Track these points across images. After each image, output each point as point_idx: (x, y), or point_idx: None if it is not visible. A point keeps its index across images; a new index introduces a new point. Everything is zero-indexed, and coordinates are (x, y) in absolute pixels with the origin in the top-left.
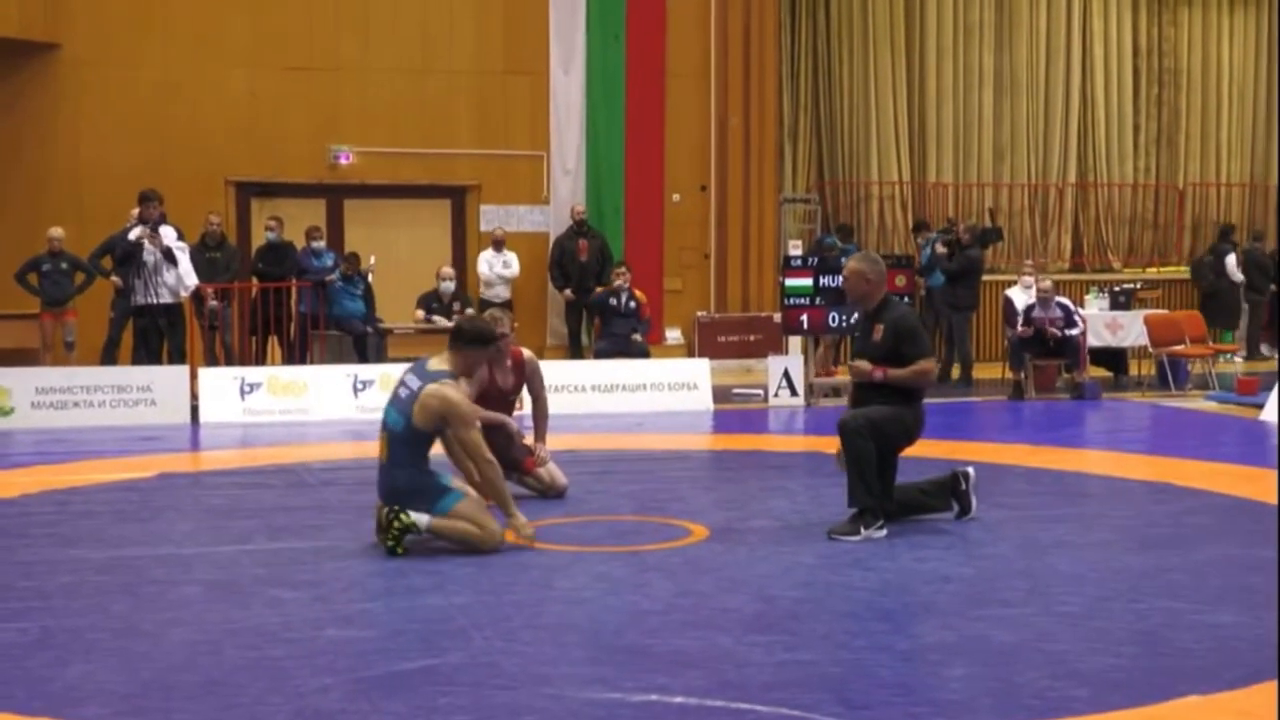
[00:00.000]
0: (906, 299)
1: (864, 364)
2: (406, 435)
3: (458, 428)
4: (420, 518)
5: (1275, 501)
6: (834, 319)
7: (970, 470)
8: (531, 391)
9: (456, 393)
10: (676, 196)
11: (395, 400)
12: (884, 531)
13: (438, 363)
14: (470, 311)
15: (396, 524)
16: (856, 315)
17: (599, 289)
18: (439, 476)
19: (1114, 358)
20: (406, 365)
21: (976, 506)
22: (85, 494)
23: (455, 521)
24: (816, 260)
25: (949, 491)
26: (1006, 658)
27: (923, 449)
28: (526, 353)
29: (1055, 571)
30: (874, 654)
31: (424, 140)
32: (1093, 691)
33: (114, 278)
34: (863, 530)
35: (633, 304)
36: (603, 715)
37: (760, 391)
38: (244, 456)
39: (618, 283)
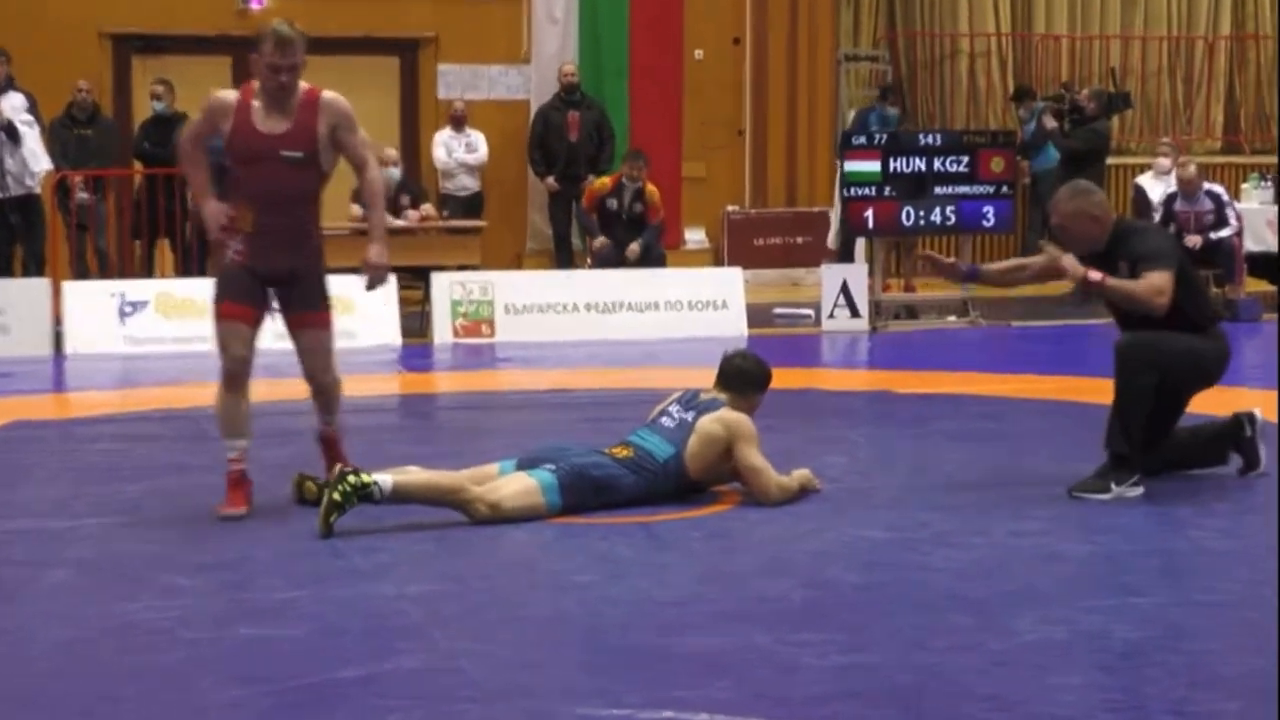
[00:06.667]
0: (1005, 187)
1: (1072, 261)
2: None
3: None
4: (382, 477)
5: None
6: (908, 215)
7: (1257, 413)
8: (349, 155)
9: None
10: (700, 53)
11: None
12: (1139, 490)
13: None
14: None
15: (345, 485)
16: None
17: (597, 181)
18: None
19: (1279, 267)
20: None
21: (1267, 459)
22: None
23: (437, 476)
24: (885, 138)
25: (1228, 440)
26: (1132, 660)
27: (1025, 386)
28: (329, 94)
29: (1197, 548)
30: (959, 656)
31: None
32: (1244, 704)
33: None
34: (1114, 487)
35: (638, 207)
36: None
37: (810, 312)
38: (125, 399)
39: (625, 179)
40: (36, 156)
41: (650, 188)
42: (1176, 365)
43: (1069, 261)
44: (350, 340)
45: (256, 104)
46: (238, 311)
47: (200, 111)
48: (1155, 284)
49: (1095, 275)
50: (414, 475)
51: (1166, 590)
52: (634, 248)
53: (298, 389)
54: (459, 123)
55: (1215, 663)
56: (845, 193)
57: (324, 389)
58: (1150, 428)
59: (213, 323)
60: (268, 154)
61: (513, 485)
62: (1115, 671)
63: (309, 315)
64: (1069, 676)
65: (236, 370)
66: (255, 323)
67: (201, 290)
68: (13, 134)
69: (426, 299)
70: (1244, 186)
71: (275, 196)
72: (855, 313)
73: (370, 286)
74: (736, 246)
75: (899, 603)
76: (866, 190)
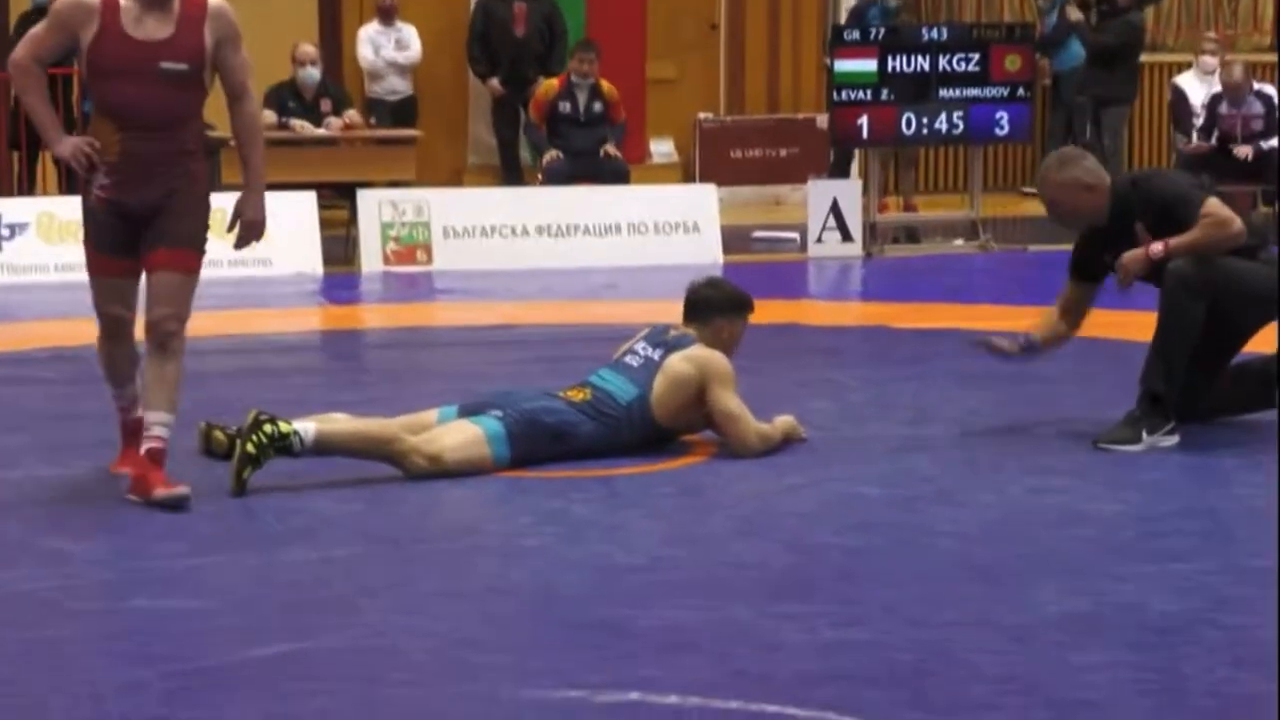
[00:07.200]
0: (1022, 89)
1: (1130, 257)
2: None
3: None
4: (303, 426)
5: None
6: (909, 123)
7: None
8: (227, 79)
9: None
10: None
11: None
12: (1175, 439)
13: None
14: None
15: (261, 435)
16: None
17: (543, 85)
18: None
19: None
20: None
21: None
22: None
23: (367, 424)
24: (883, 31)
25: (1276, 381)
26: (1168, 636)
27: (1031, 320)
28: (216, 1)
29: (1242, 507)
30: (967, 632)
31: None
32: None
33: None
34: (1145, 436)
35: (597, 106)
36: None
37: (795, 235)
38: (2, 336)
39: (575, 76)
40: None
41: (606, 84)
42: (1234, 291)
43: (1128, 260)
44: (265, 269)
45: (126, 3)
46: (109, 265)
47: (47, 20)
48: (1215, 217)
49: (1157, 247)
50: (340, 424)
51: (1207, 555)
52: (610, 149)
53: (203, 324)
54: (387, 15)
55: (1263, 638)
56: (835, 96)
57: (162, 340)
58: (1199, 368)
59: (88, 272)
60: (143, 66)
61: (454, 435)
62: (1148, 649)
63: (168, 253)
64: (1095, 654)
65: (115, 329)
66: (130, 273)
67: None
68: None
69: (353, 221)
70: None
71: (148, 117)
72: (847, 236)
73: (241, 244)
74: (710, 160)
75: (897, 570)
76: (860, 94)
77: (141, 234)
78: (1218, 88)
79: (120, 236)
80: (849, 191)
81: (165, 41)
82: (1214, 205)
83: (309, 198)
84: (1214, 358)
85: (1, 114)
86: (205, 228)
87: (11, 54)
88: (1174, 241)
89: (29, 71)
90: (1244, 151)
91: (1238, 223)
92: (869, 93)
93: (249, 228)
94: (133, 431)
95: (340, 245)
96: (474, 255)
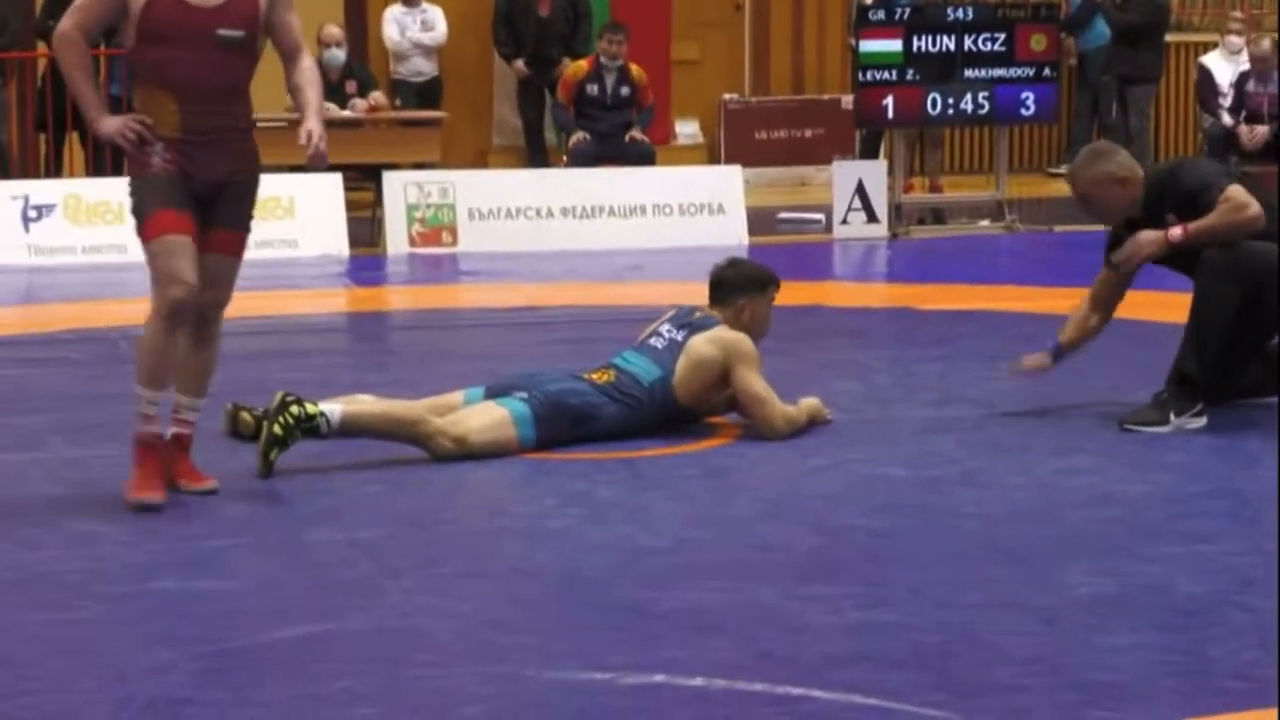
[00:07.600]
0: (1047, 69)
1: (1147, 237)
2: None
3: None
4: (329, 407)
5: None
6: (934, 103)
7: None
8: (283, 41)
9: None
10: None
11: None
12: (1202, 421)
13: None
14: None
15: (288, 417)
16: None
17: (571, 67)
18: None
19: None
20: None
21: None
22: None
23: (393, 406)
24: (908, 11)
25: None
26: (1194, 618)
27: (1070, 301)
28: None
29: (1269, 489)
30: (993, 614)
31: None
32: None
33: None
34: (1173, 418)
35: (625, 89)
36: (582, 705)
37: (820, 217)
38: (29, 317)
39: (604, 58)
40: None
41: (635, 67)
42: (1267, 274)
43: (1144, 242)
44: (291, 250)
45: None
46: (182, 222)
47: None
48: (1233, 202)
49: (1175, 232)
50: (366, 405)
51: (1234, 537)
52: (637, 134)
53: (229, 305)
54: None
55: None
56: (860, 77)
57: (204, 323)
58: (1233, 351)
59: (145, 242)
60: (200, 33)
61: (480, 416)
62: (1175, 630)
63: (227, 235)
64: (1122, 636)
65: (183, 304)
66: (195, 238)
67: (117, 191)
68: None
69: (378, 202)
70: None
71: (205, 88)
72: (872, 217)
73: (313, 162)
74: (735, 141)
75: (923, 552)
76: (885, 74)
77: (204, 210)
78: (1244, 66)
79: (187, 195)
80: (874, 172)
81: (220, 7)
82: (1233, 191)
83: (334, 179)
84: (1248, 341)
85: (28, 95)
86: (254, 207)
87: (58, 26)
88: (1193, 226)
89: (74, 43)
90: (1258, 135)
91: (1255, 207)
92: (894, 73)
93: (322, 138)
94: (150, 449)
95: (366, 227)
96: (499, 237)
